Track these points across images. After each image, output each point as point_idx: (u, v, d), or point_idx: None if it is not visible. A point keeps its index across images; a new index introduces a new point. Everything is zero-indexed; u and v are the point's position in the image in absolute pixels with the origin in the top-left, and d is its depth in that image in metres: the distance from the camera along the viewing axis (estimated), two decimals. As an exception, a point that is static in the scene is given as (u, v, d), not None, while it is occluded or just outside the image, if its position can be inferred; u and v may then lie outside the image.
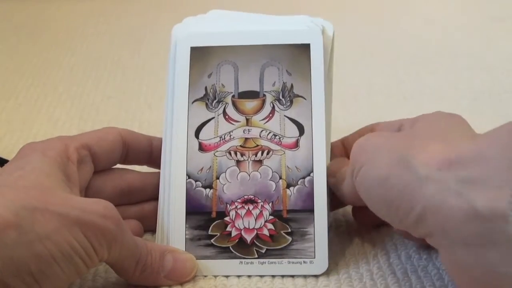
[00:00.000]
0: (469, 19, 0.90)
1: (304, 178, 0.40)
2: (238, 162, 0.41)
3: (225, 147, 0.41)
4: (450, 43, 0.81)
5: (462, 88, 0.67)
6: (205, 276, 0.39)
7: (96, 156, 0.40)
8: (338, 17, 0.92)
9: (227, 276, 0.39)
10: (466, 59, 0.75)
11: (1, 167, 0.38)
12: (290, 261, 0.39)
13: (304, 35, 0.43)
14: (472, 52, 0.77)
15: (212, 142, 0.41)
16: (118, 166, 0.43)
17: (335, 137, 0.56)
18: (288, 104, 0.42)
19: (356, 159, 0.35)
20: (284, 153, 0.41)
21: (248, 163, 0.41)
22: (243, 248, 0.39)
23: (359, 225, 0.44)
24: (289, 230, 0.39)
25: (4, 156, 0.49)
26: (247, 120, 0.42)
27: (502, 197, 0.27)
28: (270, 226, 0.40)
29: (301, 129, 0.41)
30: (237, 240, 0.39)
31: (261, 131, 0.41)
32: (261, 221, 0.40)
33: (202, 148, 0.41)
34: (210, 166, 0.41)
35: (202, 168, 0.41)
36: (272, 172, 0.40)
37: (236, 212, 0.40)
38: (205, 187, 0.40)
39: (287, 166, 0.40)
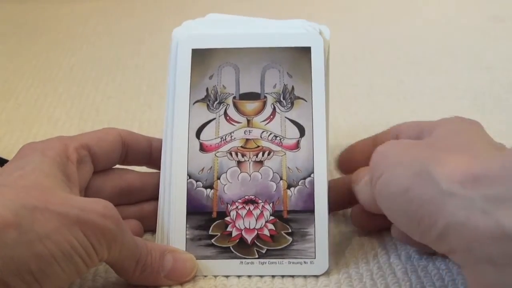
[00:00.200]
0: (469, 19, 0.90)
1: (304, 179, 0.40)
2: (239, 162, 0.41)
3: (226, 147, 0.41)
4: (450, 43, 0.81)
5: (462, 88, 0.67)
6: (205, 276, 0.39)
7: (96, 156, 0.40)
8: (338, 17, 0.92)
9: (227, 276, 0.39)
10: (466, 59, 0.75)
11: (1, 167, 0.38)
12: (291, 262, 0.39)
13: (305, 38, 0.43)
14: (472, 52, 0.77)
15: (213, 142, 0.41)
16: (118, 166, 0.43)
17: (335, 137, 0.56)
18: (289, 105, 0.42)
19: (376, 167, 0.35)
20: (285, 154, 0.41)
21: (249, 163, 0.41)
22: (243, 248, 0.39)
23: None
24: (290, 231, 0.39)
25: (4, 156, 0.49)
26: (248, 121, 0.42)
27: None
28: (270, 226, 0.40)
29: (301, 130, 0.41)
30: (237, 240, 0.39)
31: (262, 132, 0.41)
32: (261, 222, 0.40)
33: (203, 148, 0.41)
34: (211, 167, 0.41)
35: (203, 169, 0.41)
36: (273, 172, 0.40)
37: (236, 212, 0.40)
38: (206, 187, 0.40)
39: (288, 167, 0.41)
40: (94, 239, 0.33)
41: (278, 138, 0.41)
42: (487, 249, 0.28)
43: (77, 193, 0.37)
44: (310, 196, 0.40)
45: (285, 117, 0.42)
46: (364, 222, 0.42)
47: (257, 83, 0.42)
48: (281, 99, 0.42)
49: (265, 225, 0.40)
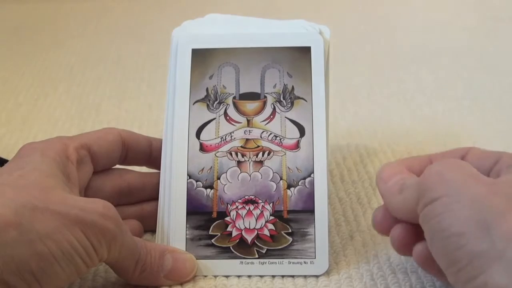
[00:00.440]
0: (469, 19, 0.90)
1: (304, 179, 0.40)
2: (239, 162, 0.41)
3: (226, 147, 0.41)
4: (450, 43, 0.81)
5: (462, 88, 0.67)
6: (205, 276, 0.39)
7: (96, 156, 0.40)
8: (339, 17, 0.92)
9: (227, 276, 0.39)
10: (466, 59, 0.75)
11: (1, 167, 0.38)
12: (291, 261, 0.39)
13: (305, 38, 0.43)
14: (472, 52, 0.77)
15: (213, 142, 0.41)
16: (118, 166, 0.43)
17: (335, 137, 0.56)
18: (289, 105, 0.42)
19: (431, 188, 0.32)
20: (285, 154, 0.41)
21: (249, 163, 0.41)
22: (243, 248, 0.39)
23: (359, 225, 0.44)
24: (290, 231, 0.39)
25: (4, 156, 0.49)
26: (248, 121, 0.42)
27: None
28: (270, 226, 0.40)
29: (301, 130, 0.41)
30: (237, 240, 0.39)
31: (262, 132, 0.41)
32: (261, 222, 0.40)
33: (203, 148, 0.41)
34: (211, 167, 0.41)
35: (203, 169, 0.41)
36: (273, 172, 0.40)
37: (236, 212, 0.40)
38: (206, 187, 0.40)
39: (288, 167, 0.41)
40: (94, 239, 0.33)
41: (278, 138, 0.41)
42: None
43: (76, 193, 0.37)
44: (310, 196, 0.40)
45: (285, 117, 0.42)
46: (388, 227, 0.37)
47: (257, 83, 0.42)
48: (281, 99, 0.42)
49: (265, 225, 0.40)
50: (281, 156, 0.41)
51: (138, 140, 0.43)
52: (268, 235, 0.39)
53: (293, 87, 0.42)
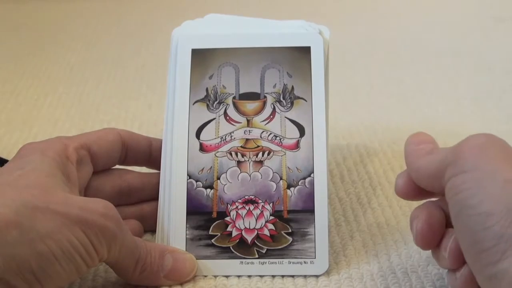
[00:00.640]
0: (469, 19, 0.90)
1: (304, 178, 0.40)
2: (239, 162, 0.41)
3: (226, 147, 0.41)
4: (451, 43, 0.81)
5: (462, 88, 0.67)
6: (205, 276, 0.39)
7: (95, 156, 0.40)
8: (338, 17, 0.92)
9: (227, 276, 0.39)
10: (466, 59, 0.75)
11: (1, 167, 0.38)
12: (291, 261, 0.39)
13: (305, 38, 0.43)
14: (472, 52, 0.77)
15: (213, 142, 0.41)
16: (118, 167, 0.43)
17: (335, 137, 0.56)
18: (289, 105, 0.42)
19: (466, 158, 0.30)
20: (285, 154, 0.41)
21: (249, 163, 0.41)
22: (243, 248, 0.39)
23: (359, 225, 0.44)
24: (290, 231, 0.39)
25: (4, 156, 0.49)
26: (248, 121, 0.42)
27: None
28: (270, 226, 0.40)
29: (301, 130, 0.41)
30: (237, 240, 0.39)
31: (262, 132, 0.41)
32: (261, 221, 0.40)
33: (203, 148, 0.41)
34: (211, 167, 0.41)
35: (203, 169, 0.41)
36: (273, 172, 0.40)
37: (236, 212, 0.40)
38: (205, 187, 0.40)
39: (288, 167, 0.41)
40: (95, 238, 0.33)
41: (278, 138, 0.41)
42: None
43: (76, 193, 0.37)
44: (310, 196, 0.40)
45: (285, 117, 0.42)
46: (409, 192, 0.36)
47: (257, 83, 0.42)
48: (281, 99, 0.42)
49: (265, 225, 0.40)
50: (281, 156, 0.41)
51: (138, 140, 0.43)
52: (268, 235, 0.39)
53: (293, 87, 0.42)
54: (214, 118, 0.42)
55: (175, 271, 0.38)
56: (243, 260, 0.39)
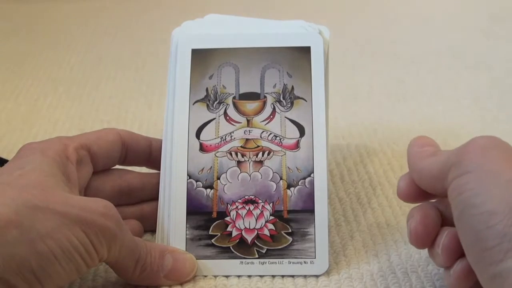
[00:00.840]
0: (469, 19, 0.90)
1: (304, 178, 0.40)
2: (239, 162, 0.41)
3: (226, 147, 0.41)
4: (451, 43, 0.81)
5: (462, 88, 0.67)
6: (205, 276, 0.39)
7: (95, 156, 0.40)
8: (338, 17, 0.92)
9: (227, 276, 0.39)
10: (466, 59, 0.75)
11: (1, 167, 0.38)
12: (291, 261, 0.39)
13: (305, 38, 0.43)
14: (472, 52, 0.77)
15: (213, 142, 0.41)
16: (117, 167, 0.43)
17: (335, 137, 0.56)
18: (289, 105, 0.42)
19: (470, 159, 0.31)
20: (285, 154, 0.41)
21: (249, 163, 0.41)
22: (243, 248, 0.39)
23: (359, 225, 0.44)
24: (290, 230, 0.39)
25: (4, 156, 0.49)
26: (248, 121, 0.42)
27: None
28: (270, 226, 0.40)
29: (301, 130, 0.41)
30: (237, 240, 0.39)
31: (262, 132, 0.41)
32: (261, 221, 0.40)
33: (203, 148, 0.41)
34: (211, 167, 0.41)
35: (203, 169, 0.41)
36: (273, 172, 0.41)
37: (236, 212, 0.40)
38: (205, 187, 0.40)
39: (288, 167, 0.41)
40: (95, 238, 0.33)
41: (278, 138, 0.41)
42: None
43: (76, 193, 0.37)
44: (310, 196, 0.40)
45: (285, 117, 0.42)
46: (411, 195, 0.36)
47: (257, 83, 0.42)
48: (281, 99, 0.42)
49: (265, 225, 0.40)
50: (281, 156, 0.41)
51: (138, 140, 0.43)
52: (268, 235, 0.39)
53: (293, 87, 0.42)
54: (214, 118, 0.42)
55: (175, 271, 0.38)
56: (243, 260, 0.39)
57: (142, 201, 0.43)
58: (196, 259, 0.39)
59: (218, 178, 0.40)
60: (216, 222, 0.40)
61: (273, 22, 0.45)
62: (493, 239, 0.28)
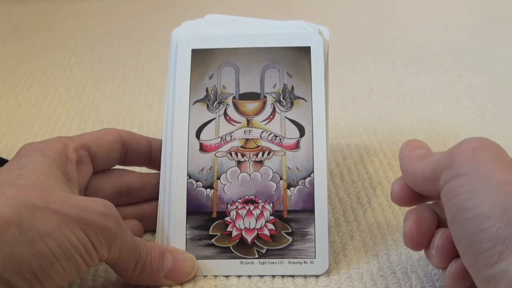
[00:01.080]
0: (469, 19, 0.90)
1: (304, 178, 0.40)
2: (239, 162, 0.41)
3: (226, 147, 0.41)
4: (450, 43, 0.81)
5: (462, 88, 0.67)
6: (205, 276, 0.39)
7: (95, 156, 0.40)
8: (338, 17, 0.92)
9: (227, 276, 0.39)
10: (466, 59, 0.75)
11: (1, 166, 0.38)
12: (291, 261, 0.39)
13: (305, 38, 0.43)
14: (472, 52, 0.77)
15: (213, 142, 0.41)
16: (117, 167, 0.43)
17: (335, 137, 0.56)
18: (289, 105, 0.42)
19: (462, 162, 0.31)
20: (285, 154, 0.41)
21: (249, 163, 0.41)
22: (243, 248, 0.39)
23: (359, 225, 0.44)
24: (290, 230, 0.39)
25: (4, 156, 0.49)
26: (248, 121, 0.42)
27: None
28: (270, 226, 0.40)
29: (301, 130, 0.41)
30: (237, 240, 0.39)
31: (262, 132, 0.41)
32: (261, 221, 0.40)
33: (203, 148, 0.41)
34: (211, 167, 0.41)
35: (203, 169, 0.41)
36: (273, 172, 0.41)
37: (236, 212, 0.40)
38: (205, 187, 0.40)
39: (288, 167, 0.41)
40: (95, 237, 0.33)
41: (278, 138, 0.41)
42: None
43: (76, 193, 0.37)
44: (310, 196, 0.40)
45: (285, 117, 0.42)
46: (405, 198, 0.37)
47: (257, 83, 0.42)
48: (281, 99, 0.42)
49: (265, 225, 0.40)
50: (281, 156, 0.41)
51: (138, 140, 0.43)
52: (268, 235, 0.39)
53: (293, 87, 0.42)
54: (214, 118, 0.42)
55: (175, 271, 0.38)
56: (243, 260, 0.39)
57: (142, 201, 0.43)
58: (196, 259, 0.39)
59: (218, 178, 0.40)
60: (216, 222, 0.40)
61: (273, 22, 0.45)
62: (486, 242, 0.28)
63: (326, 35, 0.43)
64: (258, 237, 0.39)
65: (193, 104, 0.42)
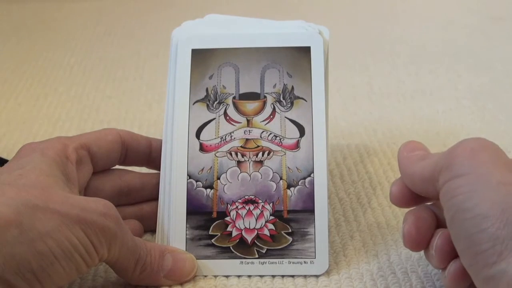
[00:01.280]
0: (469, 19, 0.90)
1: (304, 178, 0.40)
2: (239, 162, 0.41)
3: (226, 147, 0.41)
4: (450, 43, 0.81)
5: (462, 88, 0.67)
6: (205, 276, 0.39)
7: (95, 156, 0.40)
8: (338, 17, 0.92)
9: (227, 276, 0.39)
10: (466, 59, 0.75)
11: (1, 166, 0.38)
12: (291, 261, 0.39)
13: (305, 38, 0.43)
14: (472, 52, 0.77)
15: (213, 142, 0.41)
16: (117, 167, 0.43)
17: (335, 137, 0.56)
18: (289, 105, 0.42)
19: (460, 162, 0.31)
20: (285, 154, 0.41)
21: (249, 163, 0.41)
22: (243, 248, 0.39)
23: (359, 225, 0.44)
24: (290, 230, 0.39)
25: (4, 156, 0.49)
26: (248, 121, 0.42)
27: None
28: (270, 226, 0.40)
29: (301, 130, 0.41)
30: (237, 240, 0.39)
31: (262, 132, 0.41)
32: (261, 221, 0.40)
33: (203, 148, 0.41)
34: (211, 167, 0.41)
35: (203, 169, 0.41)
36: (273, 172, 0.41)
37: (236, 212, 0.40)
38: (205, 187, 0.40)
39: (288, 167, 0.41)
40: (95, 237, 0.33)
41: (278, 138, 0.41)
42: None
43: (76, 193, 0.37)
44: (310, 196, 0.40)
45: (285, 117, 0.42)
46: (404, 200, 0.37)
47: (257, 83, 0.42)
48: (281, 99, 0.42)
49: (265, 225, 0.40)
50: (281, 156, 0.41)
51: (137, 140, 0.43)
52: (268, 235, 0.39)
53: (293, 87, 0.42)
54: (214, 118, 0.42)
55: (175, 271, 0.38)
56: (243, 260, 0.39)
57: (142, 201, 0.43)
58: (196, 259, 0.39)
59: (218, 178, 0.41)
60: (216, 222, 0.40)
61: (273, 22, 0.45)
62: (486, 242, 0.28)
63: (326, 35, 0.43)
64: (258, 237, 0.39)
65: (193, 104, 0.42)
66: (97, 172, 0.41)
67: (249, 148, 0.41)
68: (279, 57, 0.43)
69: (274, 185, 0.40)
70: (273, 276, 0.39)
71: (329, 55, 0.44)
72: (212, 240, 0.39)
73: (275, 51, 0.43)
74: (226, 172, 0.41)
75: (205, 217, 0.40)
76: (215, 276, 0.39)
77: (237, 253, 0.39)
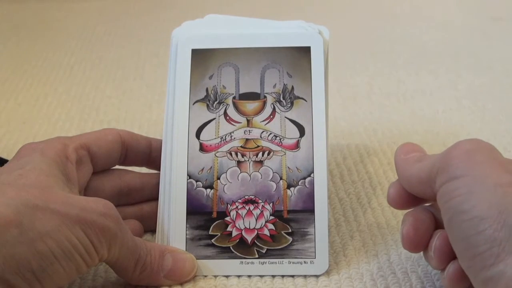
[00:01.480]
0: (469, 19, 0.90)
1: (304, 178, 0.40)
2: (239, 162, 0.41)
3: (226, 147, 0.41)
4: (450, 43, 0.81)
5: (462, 88, 0.67)
6: (205, 276, 0.39)
7: (95, 156, 0.40)
8: (338, 17, 0.92)
9: (227, 276, 0.39)
10: (466, 59, 0.75)
11: (1, 166, 0.38)
12: (291, 261, 0.39)
13: (305, 38, 0.43)
14: (472, 52, 0.77)
15: (213, 142, 0.41)
16: (117, 167, 0.43)
17: (335, 137, 0.56)
18: (289, 105, 0.42)
19: (457, 164, 0.31)
20: (285, 154, 0.41)
21: (249, 163, 0.41)
22: (243, 248, 0.39)
23: (359, 225, 0.44)
24: (290, 230, 0.39)
25: (4, 156, 0.49)
26: (248, 121, 0.42)
27: None
28: (270, 226, 0.40)
29: (301, 130, 0.41)
30: (237, 240, 0.39)
31: (262, 132, 0.41)
32: (261, 221, 0.40)
33: (203, 148, 0.41)
34: (211, 167, 0.41)
35: (203, 169, 0.41)
36: (273, 172, 0.41)
37: (236, 212, 0.40)
38: (205, 187, 0.40)
39: (288, 167, 0.41)
40: (94, 237, 0.33)
41: (278, 138, 0.41)
42: None
43: (76, 193, 0.37)
44: (310, 196, 0.40)
45: (285, 117, 0.42)
46: (401, 202, 0.37)
47: (257, 83, 0.43)
48: (281, 99, 0.42)
49: (265, 225, 0.40)
50: (281, 156, 0.41)
51: (137, 140, 0.43)
52: (268, 235, 0.39)
53: (293, 87, 0.42)
54: (214, 118, 0.42)
55: (175, 271, 0.38)
56: (243, 260, 0.39)
57: (142, 201, 0.43)
58: (196, 259, 0.39)
59: (218, 178, 0.41)
60: (216, 222, 0.40)
61: (273, 22, 0.45)
62: (483, 244, 0.28)
63: (326, 35, 0.43)
64: (258, 237, 0.39)
65: (193, 104, 0.42)
66: (97, 172, 0.41)
67: (249, 148, 0.41)
68: (279, 57, 0.43)
69: (274, 185, 0.40)
70: (273, 276, 0.39)
71: (329, 55, 0.44)
72: (212, 240, 0.39)
73: (275, 51, 0.43)
74: (226, 172, 0.41)
75: (205, 217, 0.40)
76: (215, 276, 0.39)
77: (237, 253, 0.39)
